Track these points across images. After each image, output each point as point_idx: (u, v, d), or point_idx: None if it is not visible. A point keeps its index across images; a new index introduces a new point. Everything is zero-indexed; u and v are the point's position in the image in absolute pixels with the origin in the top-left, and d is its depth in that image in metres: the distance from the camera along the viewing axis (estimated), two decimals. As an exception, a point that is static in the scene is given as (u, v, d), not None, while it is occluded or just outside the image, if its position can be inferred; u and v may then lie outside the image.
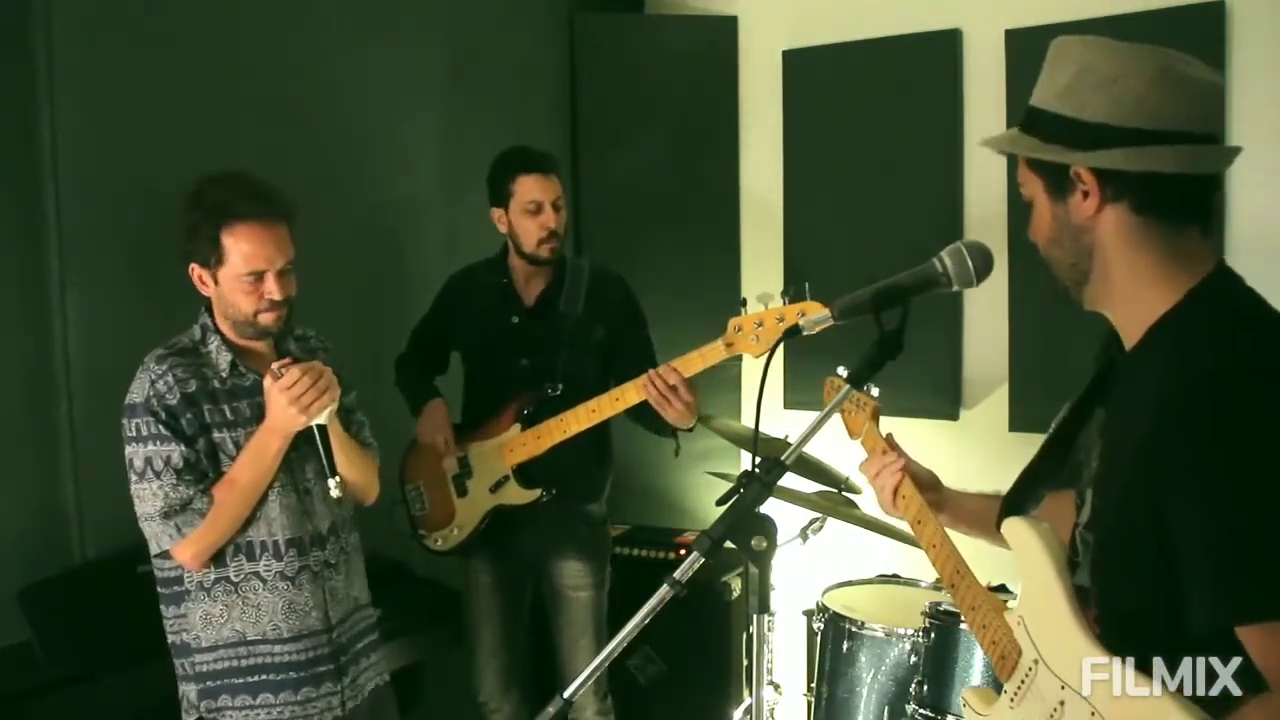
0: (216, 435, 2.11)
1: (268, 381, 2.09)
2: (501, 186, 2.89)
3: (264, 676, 2.13)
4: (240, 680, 2.12)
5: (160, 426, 2.05)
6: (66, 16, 2.51)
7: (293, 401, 2.05)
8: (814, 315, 1.63)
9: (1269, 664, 1.16)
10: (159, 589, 2.17)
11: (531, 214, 2.85)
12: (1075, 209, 1.32)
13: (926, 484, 1.82)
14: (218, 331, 2.16)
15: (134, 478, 2.06)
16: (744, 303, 2.61)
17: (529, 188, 2.85)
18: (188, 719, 2.16)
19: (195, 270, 2.12)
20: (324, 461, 2.12)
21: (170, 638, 2.17)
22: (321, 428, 2.11)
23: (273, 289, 2.10)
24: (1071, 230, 1.34)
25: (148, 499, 2.05)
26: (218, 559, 2.11)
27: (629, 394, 2.72)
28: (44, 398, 2.53)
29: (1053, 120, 1.32)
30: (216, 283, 2.11)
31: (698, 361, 2.64)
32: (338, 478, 2.12)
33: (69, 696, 2.26)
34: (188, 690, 2.15)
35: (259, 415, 2.13)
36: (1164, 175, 1.28)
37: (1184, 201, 1.31)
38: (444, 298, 3.08)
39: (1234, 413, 1.18)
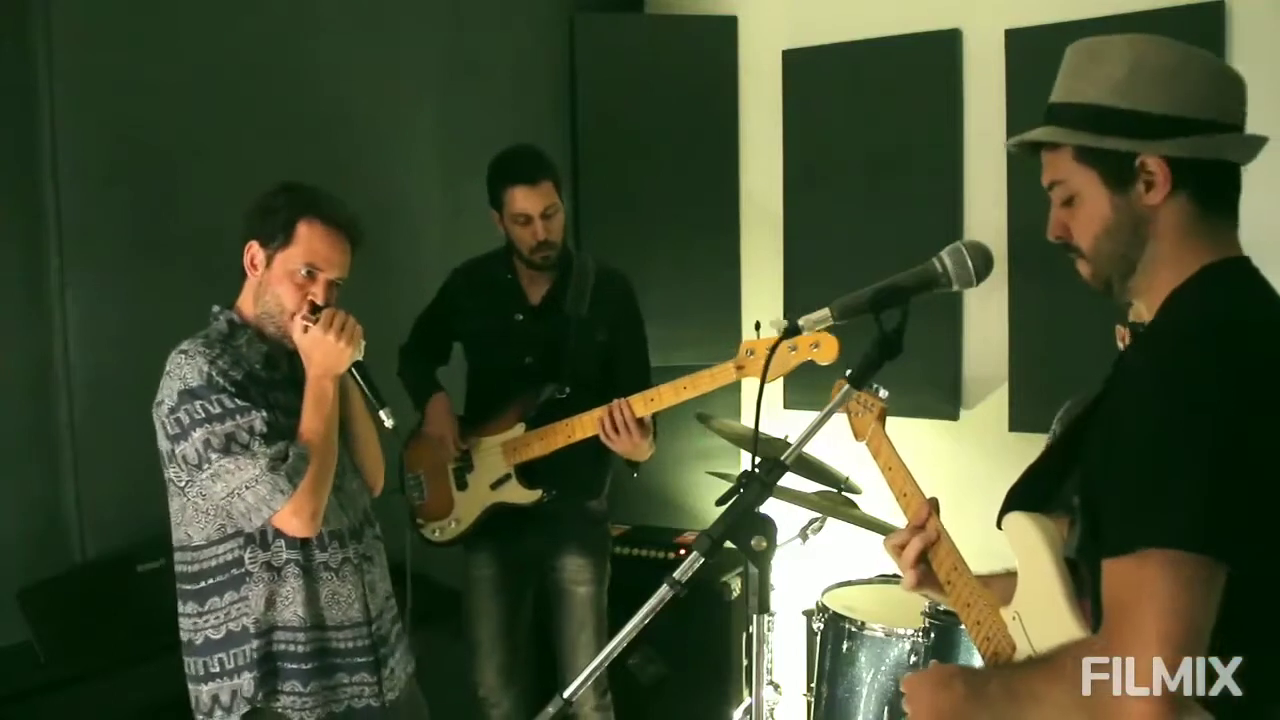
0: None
1: (298, 335, 2.09)
2: (494, 193, 2.89)
3: (315, 664, 2.11)
4: (294, 666, 2.09)
5: (235, 400, 2.01)
6: (66, 16, 2.51)
7: (338, 336, 2.07)
8: (813, 315, 1.62)
9: (1106, 596, 1.20)
10: (202, 581, 2.07)
11: (521, 225, 2.85)
12: (1138, 199, 1.34)
13: None
14: (245, 325, 2.15)
15: (215, 457, 1.98)
16: (758, 326, 2.61)
17: (517, 200, 2.83)
18: (232, 714, 2.06)
19: (252, 248, 2.11)
20: (370, 396, 2.17)
21: (206, 633, 2.07)
22: (359, 364, 2.14)
23: (319, 291, 2.10)
24: (1132, 220, 1.35)
25: (245, 467, 1.99)
26: (263, 540, 2.06)
27: (638, 406, 2.71)
28: (44, 398, 2.53)
29: (1109, 114, 1.33)
30: (269, 265, 2.10)
31: (707, 381, 2.65)
32: (388, 407, 2.17)
33: (69, 696, 2.26)
34: (238, 684, 2.05)
35: (296, 405, 2.12)
36: (1224, 164, 1.34)
37: (1229, 189, 1.37)
38: (447, 290, 3.08)
39: (1171, 369, 1.21)
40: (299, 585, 2.09)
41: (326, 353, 2.08)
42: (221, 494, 2.02)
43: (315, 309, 2.10)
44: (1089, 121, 1.35)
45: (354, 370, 2.14)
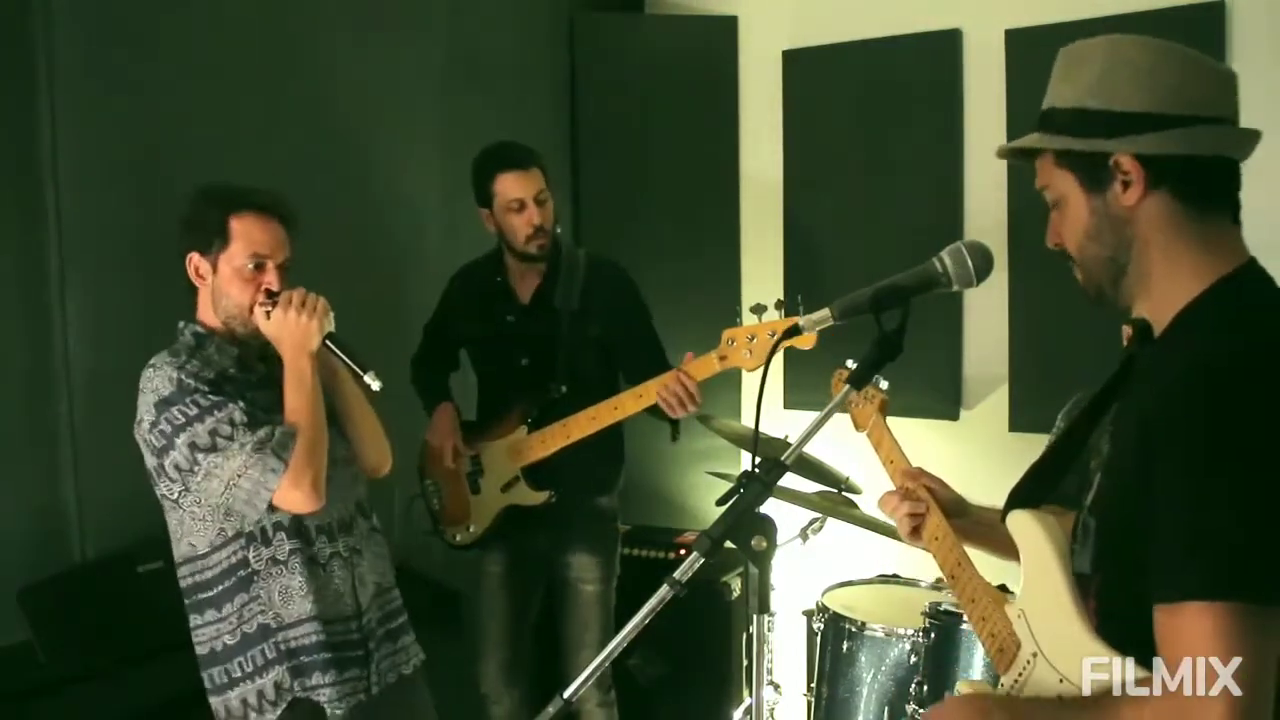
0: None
1: (263, 324, 2.09)
2: (483, 187, 2.89)
3: (329, 654, 2.11)
4: (314, 657, 2.09)
5: (208, 398, 2.02)
6: (66, 16, 2.51)
7: (300, 311, 2.06)
8: (813, 315, 1.63)
9: (1162, 646, 1.18)
10: (214, 588, 2.08)
11: (515, 212, 2.85)
12: (1115, 200, 1.32)
13: (952, 510, 1.77)
14: (212, 334, 2.15)
15: (202, 457, 2.00)
16: (738, 314, 2.61)
17: (508, 186, 2.84)
18: (268, 714, 2.07)
19: (193, 260, 2.12)
20: (351, 365, 2.14)
21: (224, 639, 2.09)
22: (333, 336, 2.13)
23: (272, 279, 2.11)
24: (1111, 222, 1.33)
25: (233, 455, 2.00)
26: (264, 536, 2.07)
27: (627, 404, 2.74)
28: (44, 398, 2.53)
29: (1085, 115, 1.32)
30: (215, 271, 2.11)
31: (694, 373, 2.65)
32: (372, 370, 2.12)
33: (69, 696, 2.26)
34: (277, 678, 2.08)
35: (277, 403, 2.11)
36: (1203, 158, 1.30)
37: (1219, 186, 1.33)
38: (446, 296, 3.10)
39: (1223, 406, 1.18)
40: (305, 577, 2.10)
41: (294, 332, 2.08)
42: (218, 491, 2.02)
43: (271, 294, 2.10)
44: (1069, 125, 1.33)
45: (328, 343, 2.13)
